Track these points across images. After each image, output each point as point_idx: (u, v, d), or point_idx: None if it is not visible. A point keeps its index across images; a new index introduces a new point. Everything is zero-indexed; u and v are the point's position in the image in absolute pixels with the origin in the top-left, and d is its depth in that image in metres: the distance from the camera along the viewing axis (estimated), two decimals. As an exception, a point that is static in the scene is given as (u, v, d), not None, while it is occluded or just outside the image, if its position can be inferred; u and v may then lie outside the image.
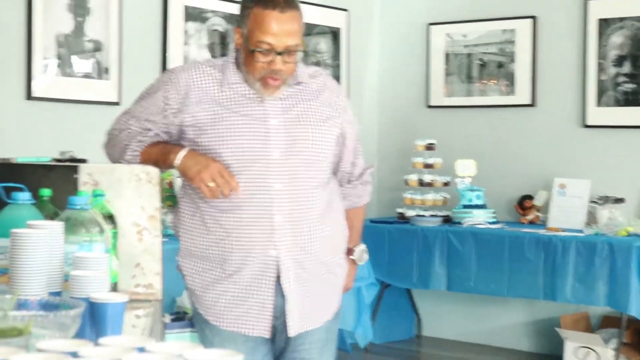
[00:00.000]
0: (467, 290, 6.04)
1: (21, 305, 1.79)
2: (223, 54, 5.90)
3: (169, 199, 5.24)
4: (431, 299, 6.81)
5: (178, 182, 5.16)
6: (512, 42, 6.51)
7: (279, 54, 2.72)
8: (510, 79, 6.54)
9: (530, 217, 6.28)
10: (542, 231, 5.82)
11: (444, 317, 6.80)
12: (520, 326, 6.45)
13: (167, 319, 4.57)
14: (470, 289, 6.00)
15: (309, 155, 2.83)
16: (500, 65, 6.59)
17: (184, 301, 4.67)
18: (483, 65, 6.67)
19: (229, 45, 5.96)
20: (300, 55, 2.78)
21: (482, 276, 5.91)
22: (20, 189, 2.29)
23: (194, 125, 2.80)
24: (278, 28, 2.71)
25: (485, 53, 6.66)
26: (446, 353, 6.46)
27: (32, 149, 4.61)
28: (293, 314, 2.85)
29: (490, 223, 6.13)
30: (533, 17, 6.42)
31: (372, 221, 6.38)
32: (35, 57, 4.98)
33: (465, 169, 6.34)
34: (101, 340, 1.37)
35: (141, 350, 1.30)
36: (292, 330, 2.86)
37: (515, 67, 6.50)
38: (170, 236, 3.94)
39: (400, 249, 6.24)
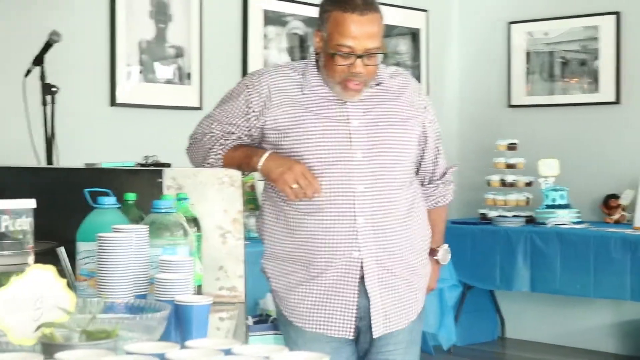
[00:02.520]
0: (552, 291, 5.96)
1: (108, 308, 1.81)
2: (302, 57, 5.91)
3: (251, 202, 5.28)
4: (515, 300, 6.73)
5: (260, 185, 5.20)
6: (595, 39, 6.41)
7: (359, 57, 2.71)
8: (593, 76, 6.43)
9: (615, 216, 6.17)
10: (628, 231, 5.71)
11: (528, 319, 6.71)
12: (606, 327, 6.34)
13: (250, 321, 4.59)
14: (555, 290, 5.92)
15: (391, 156, 2.82)
16: (582, 62, 6.49)
17: (267, 303, 4.69)
18: (565, 63, 6.58)
19: (309, 49, 5.98)
20: (380, 57, 2.77)
21: (567, 277, 5.83)
22: (105, 194, 2.31)
23: (276, 128, 2.81)
24: (358, 31, 2.69)
25: (567, 51, 6.56)
26: (530, 355, 6.37)
27: (116, 154, 4.68)
28: (377, 315, 2.84)
29: (574, 223, 6.04)
30: (617, 13, 6.31)
31: (453, 222, 6.34)
32: (118, 64, 5.06)
33: (549, 168, 6.25)
34: (188, 342, 1.38)
35: (227, 352, 1.30)
36: (377, 332, 2.85)
37: (599, 64, 6.39)
38: (252, 239, 3.97)
39: (483, 250, 6.19)
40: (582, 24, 6.47)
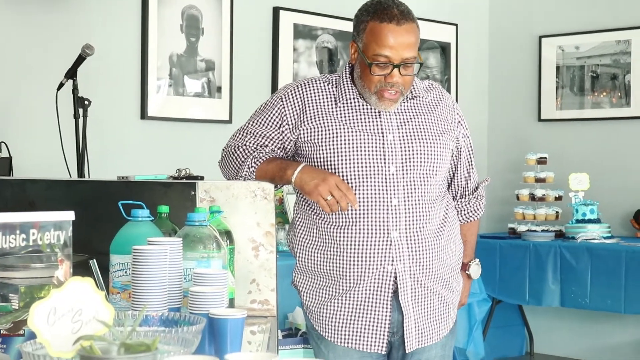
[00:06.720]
0: (582, 307, 5.92)
1: (143, 320, 1.81)
2: (332, 71, 5.92)
3: (280, 215, 5.28)
4: (543, 315, 6.69)
5: (289, 199, 5.20)
6: (627, 53, 6.37)
7: (396, 66, 2.71)
8: (624, 90, 6.39)
9: (646, 231, 6.13)
10: (659, 246, 5.67)
11: (556, 334, 6.66)
12: (637, 344, 6.28)
13: (279, 335, 4.58)
14: (585, 305, 5.88)
15: (425, 170, 2.81)
16: (614, 77, 6.45)
17: (296, 317, 4.69)
18: (596, 77, 6.54)
19: (338, 62, 5.98)
20: (417, 67, 2.76)
21: (597, 292, 5.78)
22: (139, 206, 2.32)
23: (310, 141, 2.81)
24: (395, 41, 2.69)
25: (598, 65, 6.53)
26: (560, 371, 6.33)
27: (146, 167, 4.70)
28: (410, 329, 2.82)
29: (604, 238, 5.99)
30: (649, 27, 6.28)
31: (482, 236, 6.30)
32: (149, 77, 5.08)
33: (579, 182, 6.22)
34: (227, 356, 1.38)
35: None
36: (410, 346, 2.83)
37: (630, 78, 6.35)
38: (281, 252, 3.96)
39: (512, 264, 6.16)
40: (614, 38, 6.44)
